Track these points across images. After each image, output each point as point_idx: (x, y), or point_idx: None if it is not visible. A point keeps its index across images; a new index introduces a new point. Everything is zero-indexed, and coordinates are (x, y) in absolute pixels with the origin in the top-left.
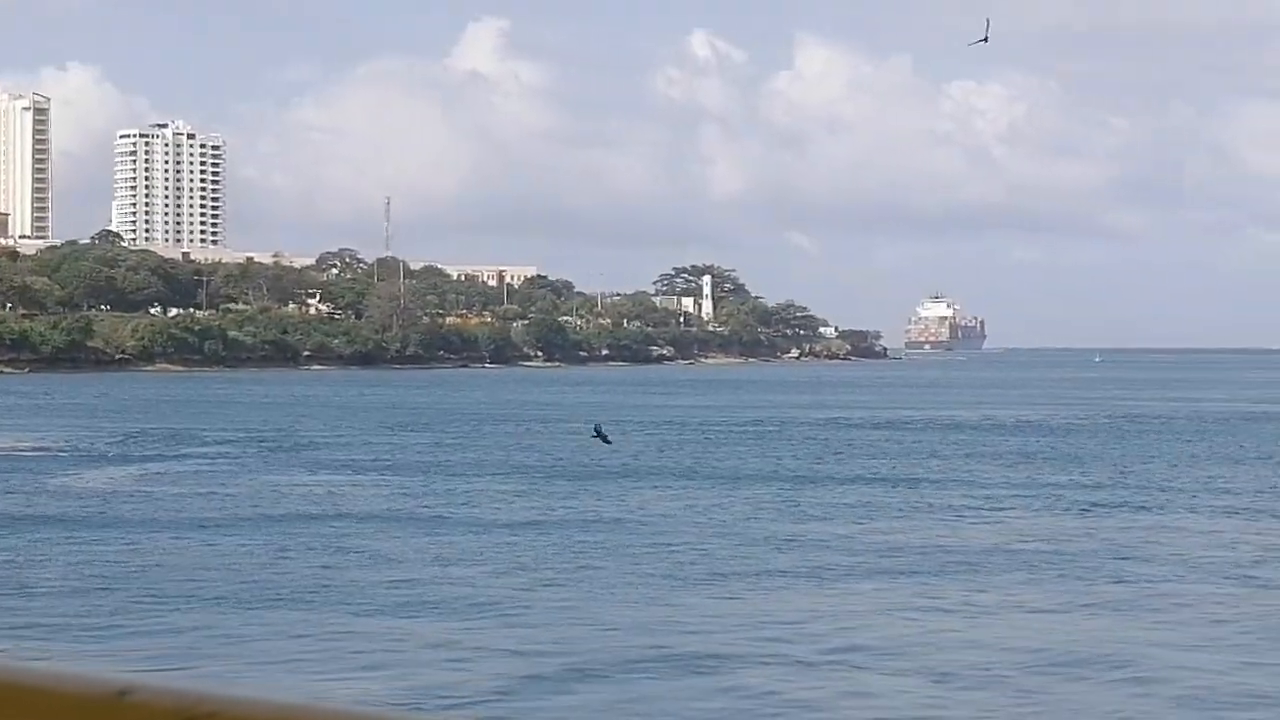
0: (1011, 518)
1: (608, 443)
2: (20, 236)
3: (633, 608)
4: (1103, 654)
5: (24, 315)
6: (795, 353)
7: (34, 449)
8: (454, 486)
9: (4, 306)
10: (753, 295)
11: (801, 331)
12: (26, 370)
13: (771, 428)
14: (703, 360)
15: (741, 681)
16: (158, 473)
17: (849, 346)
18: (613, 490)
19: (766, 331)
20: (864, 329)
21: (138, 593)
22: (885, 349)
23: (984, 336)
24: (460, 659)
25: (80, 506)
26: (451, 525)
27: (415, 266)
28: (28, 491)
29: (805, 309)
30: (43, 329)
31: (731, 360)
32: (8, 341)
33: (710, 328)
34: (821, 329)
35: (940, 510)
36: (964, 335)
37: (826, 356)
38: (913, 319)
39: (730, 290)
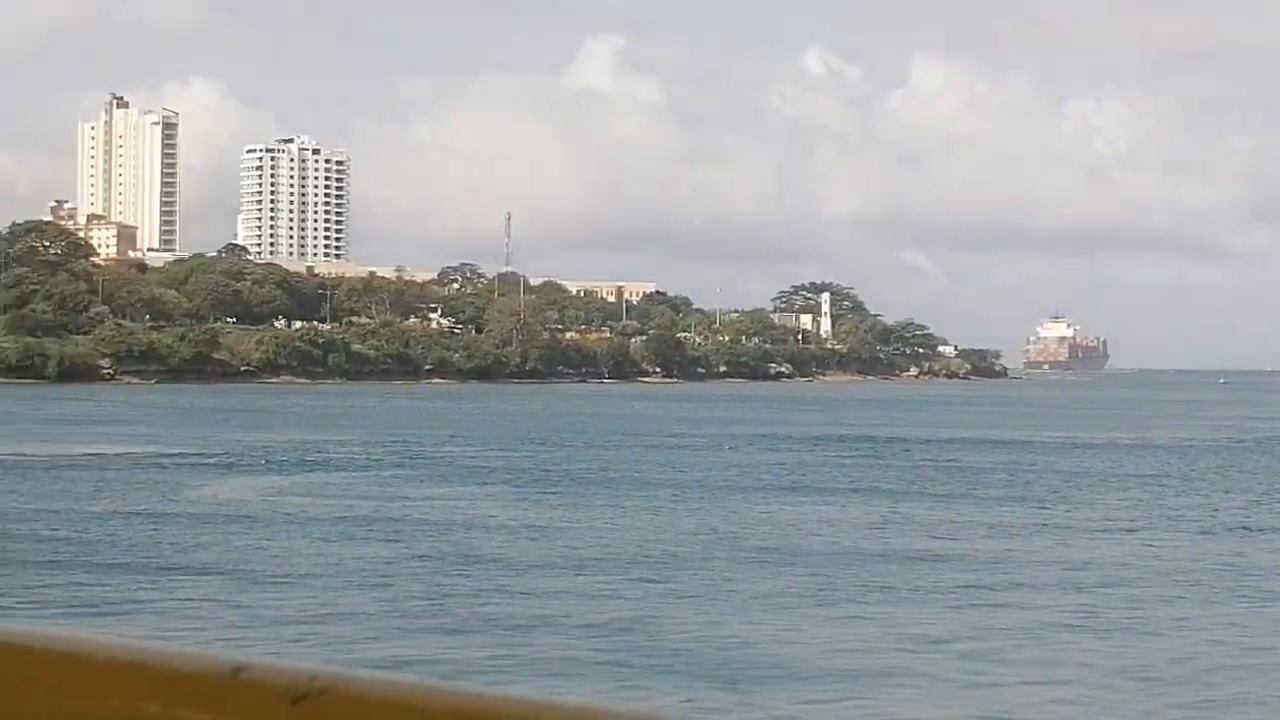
0: (1179, 540)
1: None
2: (148, 249)
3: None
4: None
5: (152, 327)
6: (914, 371)
7: (165, 456)
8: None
9: (132, 318)
10: (871, 313)
11: (920, 350)
12: (154, 381)
13: (909, 446)
14: (821, 378)
15: (884, 696)
16: (298, 483)
17: (968, 366)
18: (751, 503)
19: (885, 350)
20: (983, 348)
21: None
22: (1005, 369)
23: (1106, 357)
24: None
25: (224, 509)
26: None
27: (535, 282)
28: (170, 496)
29: (924, 327)
30: (170, 341)
31: (850, 378)
32: (136, 353)
33: (829, 345)
34: (940, 348)
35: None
36: (1084, 356)
37: (946, 376)
38: (1032, 339)
39: (849, 308)
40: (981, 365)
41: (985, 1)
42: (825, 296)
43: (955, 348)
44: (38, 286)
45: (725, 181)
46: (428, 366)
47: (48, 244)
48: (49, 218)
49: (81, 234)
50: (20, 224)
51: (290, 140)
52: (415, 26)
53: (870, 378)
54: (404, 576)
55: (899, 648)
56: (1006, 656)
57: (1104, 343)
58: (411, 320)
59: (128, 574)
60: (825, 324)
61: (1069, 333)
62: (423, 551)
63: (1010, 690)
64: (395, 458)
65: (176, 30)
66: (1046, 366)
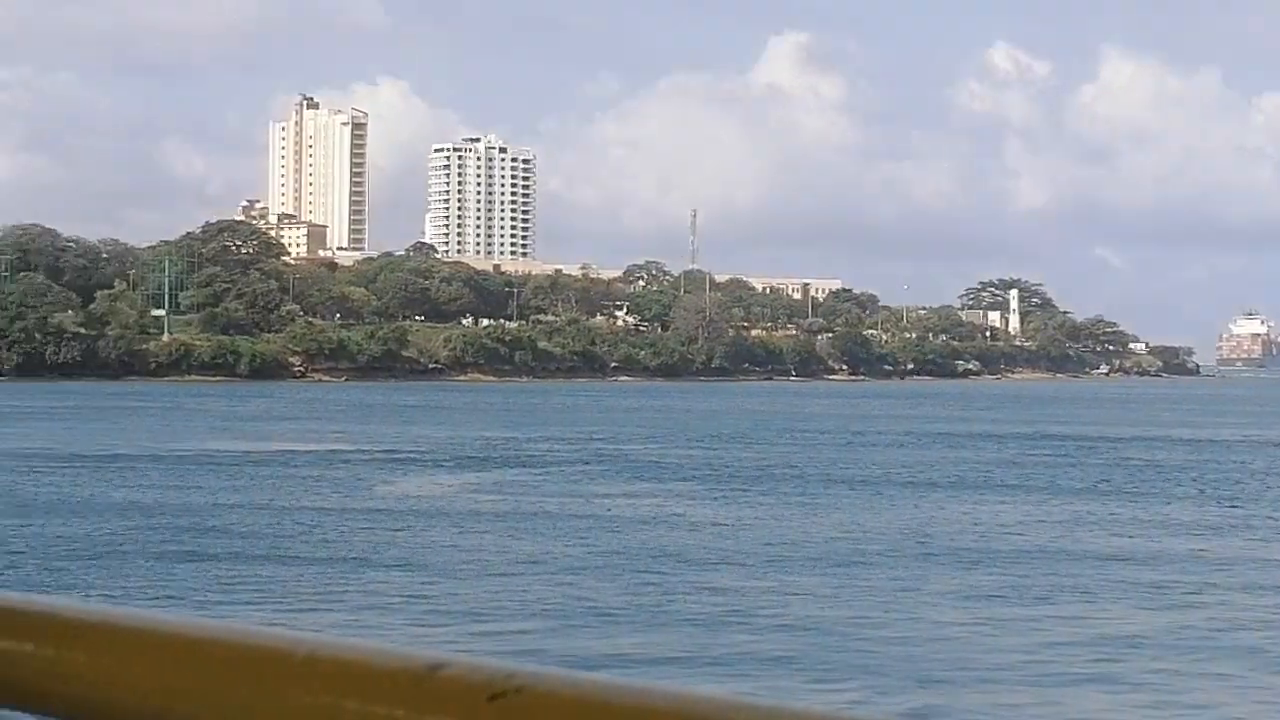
0: None
1: None
2: (338, 248)
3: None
4: None
5: (341, 325)
6: (1104, 369)
7: (357, 452)
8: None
9: (323, 317)
10: (1060, 310)
11: (1110, 347)
12: (344, 379)
13: (1100, 444)
14: (1009, 375)
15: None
16: (487, 479)
17: (1160, 363)
18: (940, 501)
19: (1075, 347)
20: (1174, 345)
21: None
22: (1197, 366)
23: None
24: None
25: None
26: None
27: (721, 279)
28: (362, 492)
29: (1114, 324)
30: (359, 339)
31: (1039, 376)
32: (326, 351)
33: (1017, 342)
34: (1131, 345)
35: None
36: (1278, 353)
37: (1137, 373)
38: (1224, 335)
39: (1038, 305)
40: (1173, 362)
41: None
42: (1013, 293)
43: (1146, 344)
44: (230, 285)
45: (911, 177)
46: (613, 364)
47: (240, 243)
48: (241, 217)
49: (273, 233)
50: (213, 223)
51: (477, 139)
52: (601, 24)
53: (1059, 375)
54: (593, 573)
55: (1092, 648)
56: (1201, 656)
57: None
58: (597, 318)
59: (321, 568)
60: (1014, 321)
61: (1263, 330)
62: (612, 548)
63: (1204, 691)
64: (583, 454)
65: (364, 30)
66: (1239, 364)
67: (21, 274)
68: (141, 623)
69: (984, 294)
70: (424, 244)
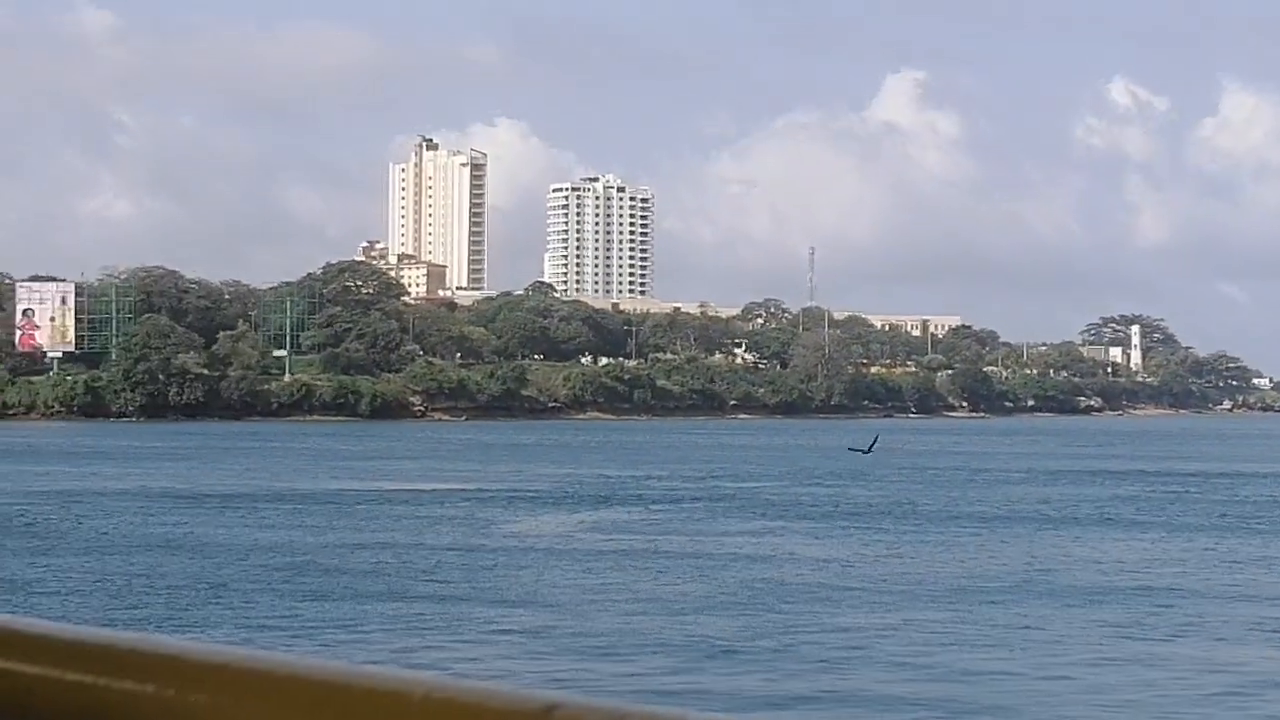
0: None
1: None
2: (457, 288)
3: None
4: None
5: (461, 364)
6: (1227, 405)
7: (480, 491)
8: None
9: (442, 356)
10: (1182, 345)
11: (1234, 383)
12: (464, 418)
13: (1222, 481)
14: (1131, 411)
15: None
16: (609, 518)
17: None
18: (1061, 538)
19: (1198, 382)
20: None
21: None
22: None
23: None
24: None
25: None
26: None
27: (839, 316)
28: (485, 530)
29: (1238, 359)
30: (479, 378)
31: (1162, 411)
32: (446, 390)
33: (1139, 378)
34: (1255, 380)
35: None
36: None
37: (1261, 409)
38: None
39: (1159, 340)
40: None
41: None
42: (1135, 328)
43: (1270, 380)
44: (351, 325)
45: (1030, 213)
46: (732, 401)
47: (360, 284)
48: (360, 258)
49: (393, 273)
50: (334, 264)
51: (595, 178)
52: (716, 63)
53: (1182, 411)
54: (715, 610)
55: (1218, 689)
56: None
57: None
58: (716, 356)
59: (443, 605)
60: (1135, 356)
61: None
62: (732, 585)
63: None
64: (704, 491)
65: (481, 71)
66: None
67: (146, 316)
68: (259, 663)
69: (1105, 330)
70: (543, 283)
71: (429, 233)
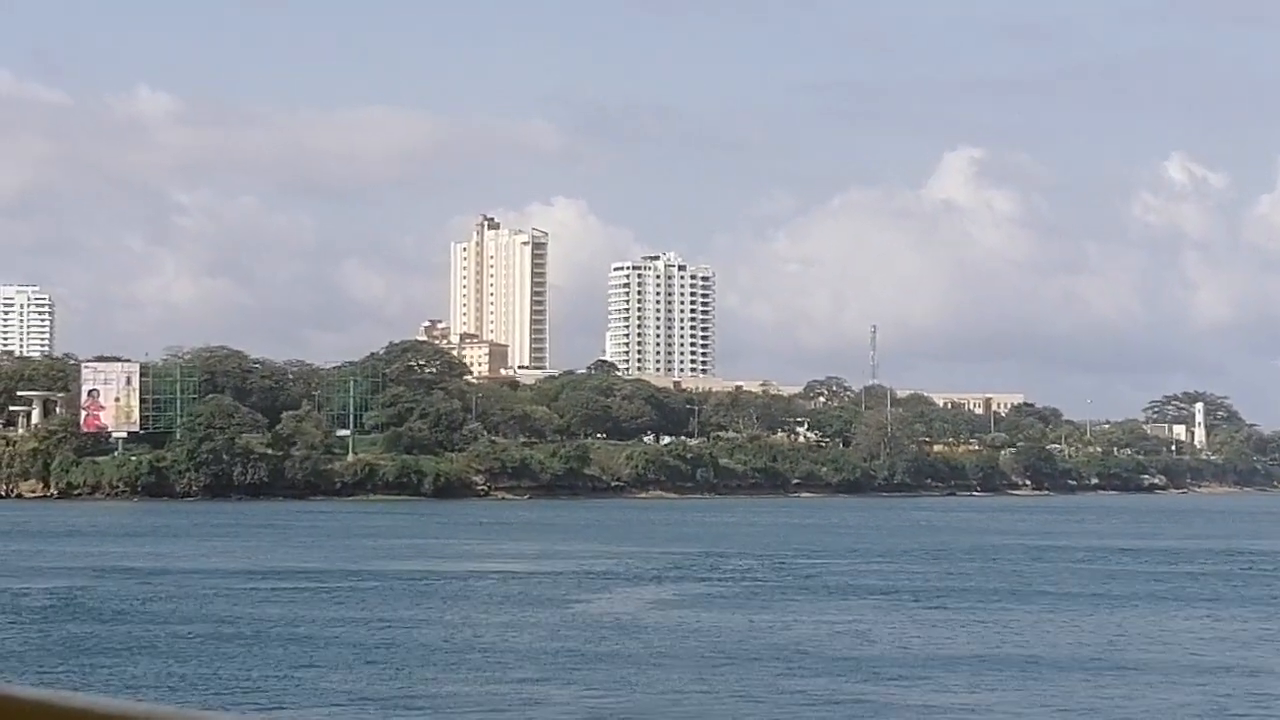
0: None
1: None
2: (519, 367)
3: None
4: None
5: (524, 443)
6: None
7: (547, 572)
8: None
9: (505, 435)
10: (1247, 423)
11: None
12: (527, 496)
13: None
14: (1195, 489)
15: None
16: (692, 596)
17: None
18: (1134, 615)
19: (1262, 460)
20: None
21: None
22: None
23: None
24: None
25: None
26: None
27: (901, 394)
28: (561, 609)
29: None
30: (542, 456)
31: (1226, 489)
32: (509, 469)
33: (1203, 456)
34: None
35: None
36: None
37: None
38: None
39: (1223, 418)
40: None
41: None
42: (1199, 406)
43: None
44: (414, 405)
45: (1090, 291)
46: (795, 480)
47: (423, 363)
48: (423, 337)
49: (455, 353)
50: (397, 344)
51: (656, 257)
52: (773, 141)
53: (1247, 489)
54: (789, 686)
55: None
56: None
57: None
58: (778, 434)
59: (513, 683)
60: (1199, 434)
61: None
62: (807, 665)
63: None
64: (768, 572)
65: (538, 151)
66: None
67: (210, 395)
68: None
69: (1168, 407)
70: (605, 362)
71: (490, 312)
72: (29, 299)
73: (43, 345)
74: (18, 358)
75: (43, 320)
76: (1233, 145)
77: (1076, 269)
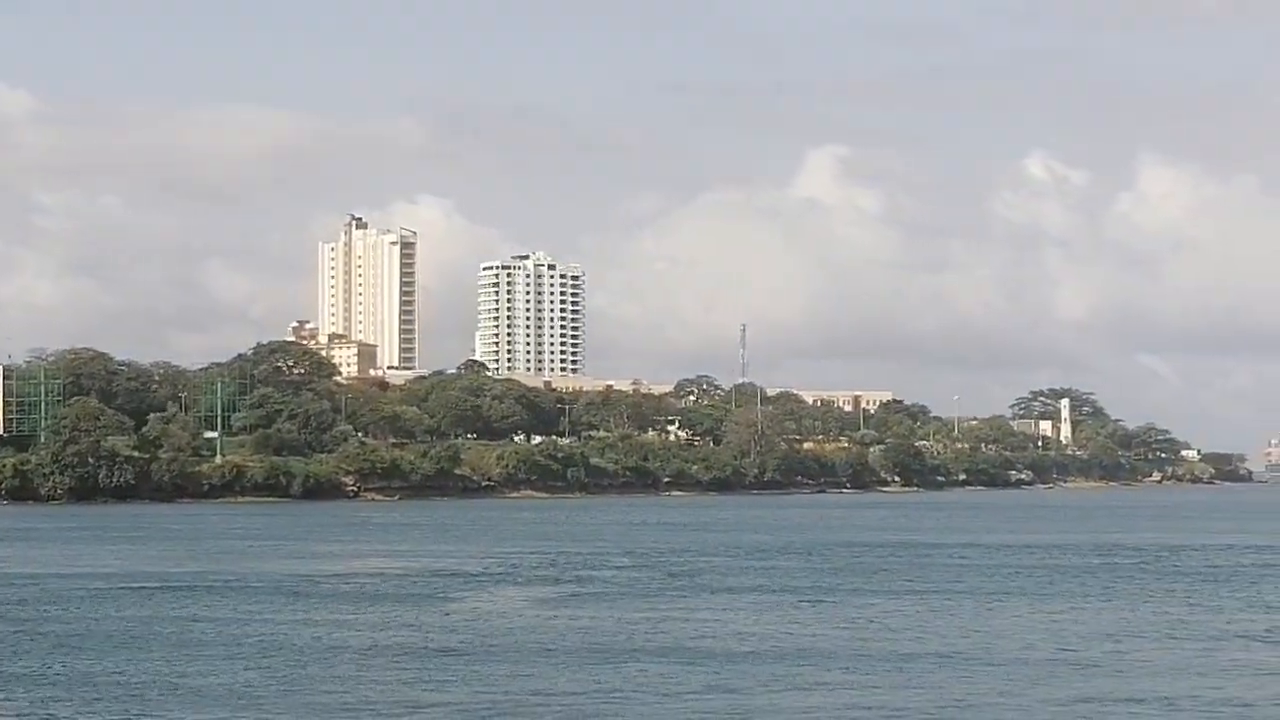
0: None
1: None
2: (389, 367)
3: None
4: None
5: (394, 444)
6: (1157, 476)
7: (436, 572)
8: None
9: (375, 436)
10: (1111, 418)
11: (1163, 455)
12: (397, 497)
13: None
14: (1061, 484)
15: None
16: (564, 595)
17: (1212, 470)
18: (1020, 609)
19: (1127, 455)
20: (1226, 452)
21: None
22: (1250, 472)
23: None
24: None
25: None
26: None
27: (771, 392)
28: (441, 612)
29: (1166, 432)
30: (412, 457)
31: (1092, 484)
32: (379, 470)
33: (1069, 451)
34: (1183, 452)
35: None
36: None
37: (1189, 480)
38: (1274, 441)
39: (1089, 413)
40: (1226, 469)
41: (1210, 103)
42: (1064, 402)
43: (1198, 452)
44: (282, 406)
45: (955, 289)
46: (666, 479)
47: (291, 364)
48: (291, 338)
49: (324, 353)
50: (264, 344)
51: (526, 256)
52: (640, 140)
53: (1112, 483)
54: (660, 681)
55: None
56: None
57: None
58: (649, 433)
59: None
60: (1065, 430)
61: None
62: (678, 660)
63: None
64: (639, 570)
65: (403, 150)
66: None
67: (75, 398)
68: None
69: (1035, 404)
70: (475, 362)
71: (359, 312)
72: None
73: None
74: None
75: None
76: (1092, 144)
77: (941, 267)
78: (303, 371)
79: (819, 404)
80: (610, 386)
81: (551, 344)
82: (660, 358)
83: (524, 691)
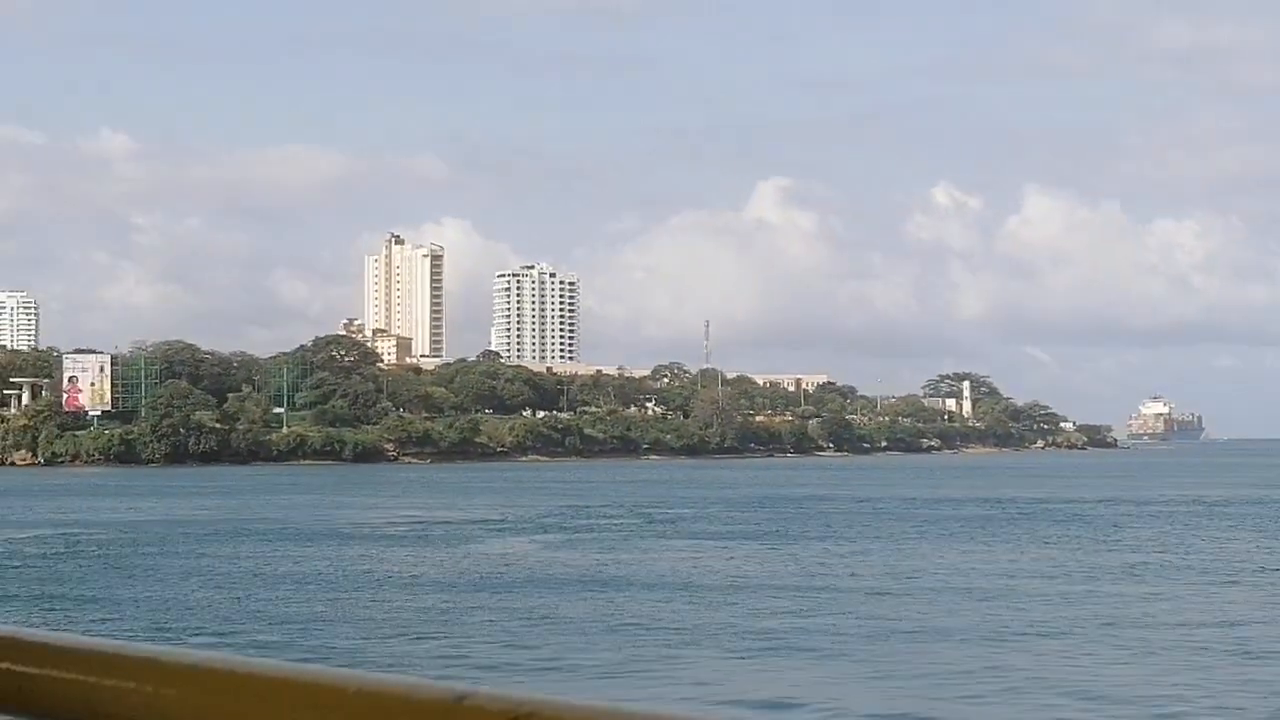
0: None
1: None
2: (421, 356)
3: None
4: None
5: (426, 418)
6: (1040, 444)
7: (464, 520)
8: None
9: (410, 411)
10: (1004, 396)
11: (1045, 426)
12: (429, 461)
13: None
14: (964, 450)
15: None
16: (564, 539)
17: (1085, 438)
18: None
19: (1016, 426)
20: (1096, 424)
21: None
22: (1115, 440)
23: (1202, 430)
24: None
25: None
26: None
27: (730, 376)
28: (470, 554)
29: (1048, 407)
30: (440, 428)
31: (988, 450)
32: (414, 438)
33: (970, 423)
34: (1062, 424)
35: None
36: (1180, 429)
37: (1067, 447)
38: (1134, 415)
39: (985, 393)
40: (1096, 438)
41: (1081, 140)
42: (966, 384)
43: (1074, 423)
44: (336, 386)
45: (875, 292)
46: (645, 446)
47: (343, 353)
48: (343, 332)
49: (369, 344)
50: (322, 338)
51: (531, 266)
52: (621, 172)
53: (1004, 450)
54: (644, 607)
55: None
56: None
57: (1199, 418)
58: (631, 409)
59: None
60: (966, 406)
61: (1165, 410)
62: (658, 589)
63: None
64: (627, 518)
65: (429, 181)
66: (1146, 438)
67: (168, 381)
68: (185, 658)
69: (942, 385)
70: (491, 351)
71: (398, 311)
72: (18, 303)
73: (29, 340)
74: (9, 351)
75: (29, 320)
76: (985, 176)
77: (864, 275)
78: (352, 359)
79: (768, 385)
80: (600, 371)
81: (552, 337)
82: (640, 347)
83: (535, 616)
